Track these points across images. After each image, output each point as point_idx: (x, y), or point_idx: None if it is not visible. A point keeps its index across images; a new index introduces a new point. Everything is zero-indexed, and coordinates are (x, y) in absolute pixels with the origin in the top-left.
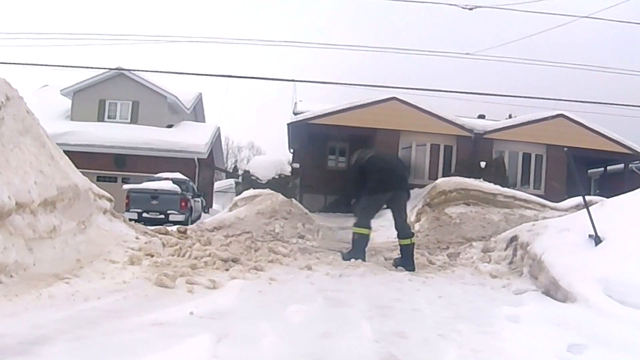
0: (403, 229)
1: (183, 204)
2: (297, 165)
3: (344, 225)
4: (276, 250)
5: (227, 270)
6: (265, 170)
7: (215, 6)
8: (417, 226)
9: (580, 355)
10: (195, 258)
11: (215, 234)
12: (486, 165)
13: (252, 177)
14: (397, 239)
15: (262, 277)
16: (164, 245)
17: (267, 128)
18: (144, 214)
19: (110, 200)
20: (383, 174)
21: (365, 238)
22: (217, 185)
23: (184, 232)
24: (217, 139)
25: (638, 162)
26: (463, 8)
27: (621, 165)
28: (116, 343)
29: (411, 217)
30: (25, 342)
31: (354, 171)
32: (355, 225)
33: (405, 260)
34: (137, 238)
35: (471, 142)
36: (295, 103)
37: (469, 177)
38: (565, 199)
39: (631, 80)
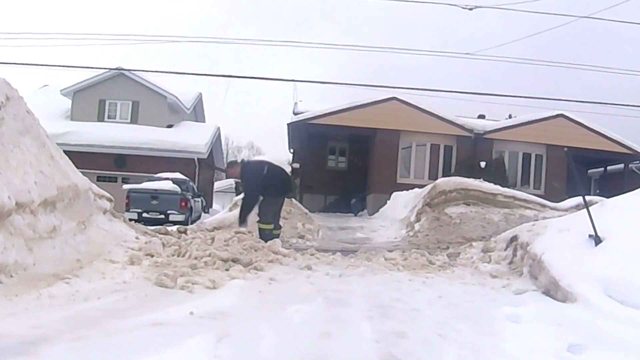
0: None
1: (183, 204)
2: (297, 165)
3: (344, 225)
4: (276, 250)
5: (227, 270)
6: None
7: (216, 7)
8: (417, 226)
9: (580, 355)
10: (195, 258)
11: (216, 234)
12: (486, 165)
13: None
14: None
15: (262, 277)
16: (164, 245)
17: (267, 128)
18: (144, 214)
19: (110, 200)
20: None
21: (269, 231)
22: (217, 185)
23: (184, 232)
24: (217, 139)
25: (638, 162)
26: (463, 8)
27: (621, 165)
28: (116, 343)
29: (411, 217)
30: (25, 342)
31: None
32: (260, 222)
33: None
34: (137, 238)
35: (471, 142)
36: (295, 103)
37: (469, 177)
38: (565, 199)
39: (631, 80)
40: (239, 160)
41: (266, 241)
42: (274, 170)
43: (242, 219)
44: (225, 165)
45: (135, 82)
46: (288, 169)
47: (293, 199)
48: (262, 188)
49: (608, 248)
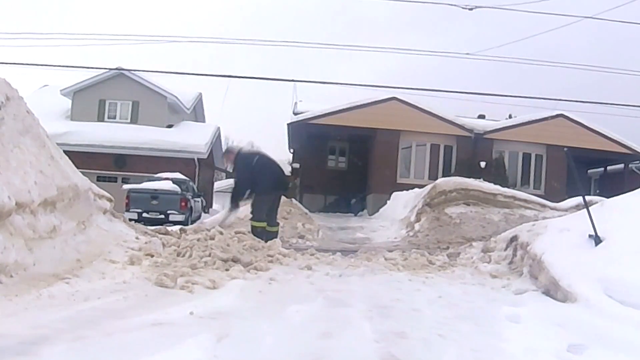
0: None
1: (183, 204)
2: (297, 165)
3: (343, 226)
4: (276, 251)
5: (227, 270)
6: None
7: (216, 6)
8: (417, 226)
9: (580, 355)
10: (195, 258)
11: (215, 234)
12: (486, 165)
13: None
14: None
15: (262, 277)
16: (164, 245)
17: (267, 128)
18: (144, 214)
19: (110, 200)
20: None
21: (261, 228)
22: (217, 185)
23: (184, 231)
24: (217, 139)
25: (638, 162)
26: (463, 8)
27: (621, 165)
28: (116, 343)
29: (411, 217)
30: (25, 342)
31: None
32: (252, 219)
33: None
34: (137, 238)
35: (471, 142)
36: (295, 103)
37: (469, 177)
38: (565, 199)
39: (631, 80)
40: (237, 149)
41: (266, 241)
42: (265, 162)
43: (233, 205)
44: (224, 150)
45: (135, 82)
46: (287, 169)
47: (293, 199)
48: (251, 179)
49: (608, 248)
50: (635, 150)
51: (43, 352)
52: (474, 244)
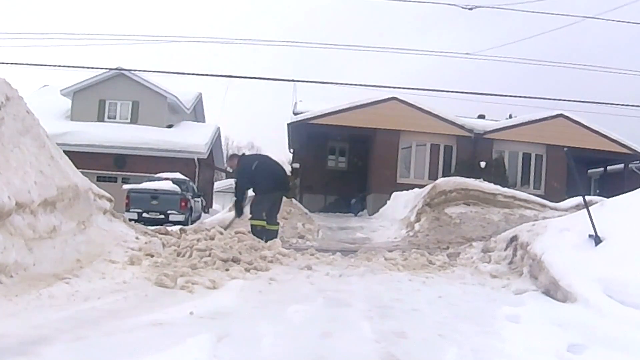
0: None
1: (183, 204)
2: (297, 165)
3: (344, 226)
4: (276, 250)
5: (227, 270)
6: None
7: (216, 6)
8: (417, 226)
9: (580, 355)
10: (195, 258)
11: (215, 234)
12: (486, 165)
13: None
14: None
15: (262, 277)
16: (164, 245)
17: (267, 128)
18: (144, 214)
19: (110, 200)
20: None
21: (260, 227)
22: (217, 185)
23: (184, 231)
24: (217, 139)
25: (638, 162)
26: (463, 8)
27: (621, 165)
28: (116, 343)
29: (411, 217)
30: (25, 342)
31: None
32: (251, 218)
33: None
34: (137, 238)
35: (471, 142)
36: (295, 103)
37: (469, 177)
38: (565, 199)
39: (631, 80)
40: (240, 154)
41: (266, 240)
42: (265, 165)
43: (237, 211)
44: (228, 157)
45: (135, 82)
46: (287, 169)
47: (293, 199)
48: (251, 183)
49: (608, 248)
50: (635, 150)
51: (43, 352)
52: (474, 244)
